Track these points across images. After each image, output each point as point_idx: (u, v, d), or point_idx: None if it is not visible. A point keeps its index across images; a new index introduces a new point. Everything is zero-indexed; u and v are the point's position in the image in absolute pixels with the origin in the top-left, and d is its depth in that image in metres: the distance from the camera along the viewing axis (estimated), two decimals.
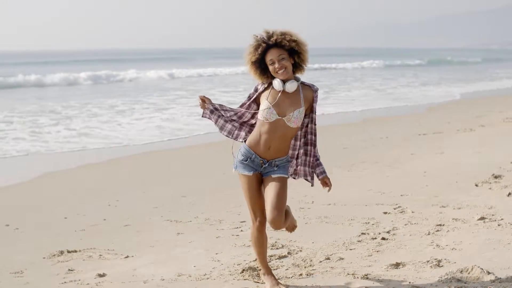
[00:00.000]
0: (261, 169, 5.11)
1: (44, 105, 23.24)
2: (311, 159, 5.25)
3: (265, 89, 5.14)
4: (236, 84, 36.16)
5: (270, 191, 5.03)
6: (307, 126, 5.22)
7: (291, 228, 5.50)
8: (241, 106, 5.25)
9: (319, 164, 5.30)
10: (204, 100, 5.26)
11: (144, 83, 38.53)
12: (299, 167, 5.30)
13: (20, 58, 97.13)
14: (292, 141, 5.19)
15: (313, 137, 5.24)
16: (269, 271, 5.32)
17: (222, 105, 5.28)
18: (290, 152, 5.22)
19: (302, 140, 5.24)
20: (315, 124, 5.24)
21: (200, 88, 32.78)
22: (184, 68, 51.63)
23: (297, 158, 5.29)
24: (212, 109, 5.26)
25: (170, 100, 25.59)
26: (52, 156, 12.96)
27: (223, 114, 5.27)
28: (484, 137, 13.71)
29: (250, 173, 5.11)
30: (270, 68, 5.01)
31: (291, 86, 5.03)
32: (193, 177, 10.48)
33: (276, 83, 5.03)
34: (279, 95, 5.03)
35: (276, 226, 4.99)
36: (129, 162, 12.20)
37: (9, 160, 12.40)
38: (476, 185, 8.81)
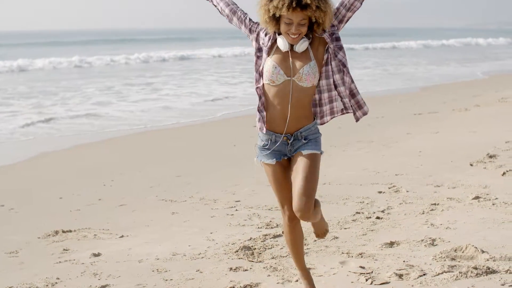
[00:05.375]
0: (289, 149, 4.32)
1: (44, 87, 23.20)
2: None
3: (269, 39, 4.30)
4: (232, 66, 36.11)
5: (298, 172, 4.24)
6: (329, 78, 4.30)
7: (322, 232, 4.73)
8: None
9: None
10: None
11: (149, 64, 38.37)
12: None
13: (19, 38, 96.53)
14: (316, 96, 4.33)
15: (345, 87, 4.33)
16: (305, 274, 4.59)
17: None
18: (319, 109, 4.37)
19: (327, 93, 4.34)
20: (346, 73, 4.30)
21: (197, 68, 32.73)
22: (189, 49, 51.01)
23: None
24: None
25: (169, 81, 25.55)
26: (49, 136, 12.93)
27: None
28: (480, 116, 13.72)
29: (273, 162, 4.33)
30: (283, 26, 4.13)
31: (301, 47, 4.20)
32: (188, 156, 10.48)
33: (282, 43, 4.20)
34: (290, 57, 4.21)
35: (304, 216, 4.23)
36: (125, 142, 12.18)
37: (10, 141, 12.35)
38: (471, 165, 8.82)
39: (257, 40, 4.34)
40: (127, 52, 44.07)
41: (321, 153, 4.32)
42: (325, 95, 4.31)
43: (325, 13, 4.10)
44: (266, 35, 4.30)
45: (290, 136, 4.27)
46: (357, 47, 54.70)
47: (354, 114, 4.40)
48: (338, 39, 4.24)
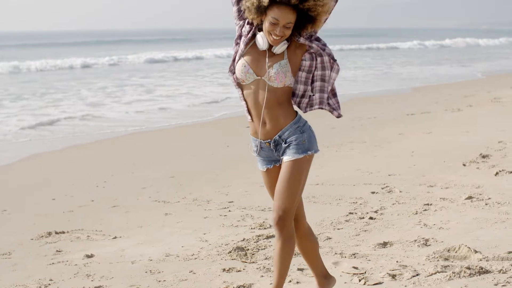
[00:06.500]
0: (276, 154, 4.20)
1: (38, 88, 23.12)
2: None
3: (249, 31, 4.14)
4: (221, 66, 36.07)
5: (278, 182, 4.13)
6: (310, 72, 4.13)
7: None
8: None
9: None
10: None
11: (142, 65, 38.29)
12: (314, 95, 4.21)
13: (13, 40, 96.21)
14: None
15: (329, 83, 4.16)
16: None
17: None
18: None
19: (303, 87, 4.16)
20: (334, 69, 4.13)
21: (187, 68, 32.71)
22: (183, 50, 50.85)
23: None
24: None
25: (163, 81, 25.51)
26: (43, 138, 12.90)
27: None
28: (472, 117, 13.74)
29: (264, 169, 4.28)
30: (267, 24, 3.96)
31: (280, 49, 4.05)
32: (181, 157, 10.47)
33: (261, 42, 4.05)
34: (265, 57, 4.07)
35: (281, 230, 4.10)
36: (117, 143, 12.16)
37: (3, 143, 12.30)
38: (464, 165, 8.84)
39: (241, 27, 4.20)
40: (121, 53, 44.03)
41: (307, 153, 4.13)
42: (301, 87, 4.14)
43: (322, 6, 3.93)
44: (248, 24, 4.13)
45: (271, 141, 4.15)
46: (352, 47, 54.72)
47: (334, 111, 4.25)
48: (318, 39, 4.09)
